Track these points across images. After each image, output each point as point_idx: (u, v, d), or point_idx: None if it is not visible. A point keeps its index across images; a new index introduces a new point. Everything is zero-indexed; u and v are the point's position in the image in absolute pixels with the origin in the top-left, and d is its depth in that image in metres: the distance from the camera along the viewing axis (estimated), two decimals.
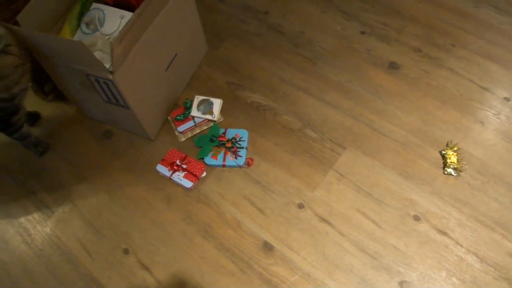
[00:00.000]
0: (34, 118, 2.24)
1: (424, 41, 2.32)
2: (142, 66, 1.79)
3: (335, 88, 2.16)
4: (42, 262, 1.84)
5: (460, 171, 1.87)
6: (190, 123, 2.07)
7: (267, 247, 1.74)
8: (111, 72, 1.63)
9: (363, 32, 2.39)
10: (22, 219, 1.96)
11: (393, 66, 2.22)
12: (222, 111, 2.12)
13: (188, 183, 1.90)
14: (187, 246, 1.79)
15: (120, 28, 1.87)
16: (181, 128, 2.06)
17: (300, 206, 1.83)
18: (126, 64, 1.67)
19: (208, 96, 2.14)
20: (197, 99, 2.12)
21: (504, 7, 2.44)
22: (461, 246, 1.71)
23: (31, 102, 2.18)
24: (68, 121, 2.24)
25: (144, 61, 1.79)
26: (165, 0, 1.83)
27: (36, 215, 1.96)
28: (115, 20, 1.91)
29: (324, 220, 1.79)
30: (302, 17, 2.50)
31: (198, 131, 2.09)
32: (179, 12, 1.96)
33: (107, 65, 1.62)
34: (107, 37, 1.88)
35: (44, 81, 2.21)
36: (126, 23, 1.62)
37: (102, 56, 1.79)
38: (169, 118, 2.13)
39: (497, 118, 2.02)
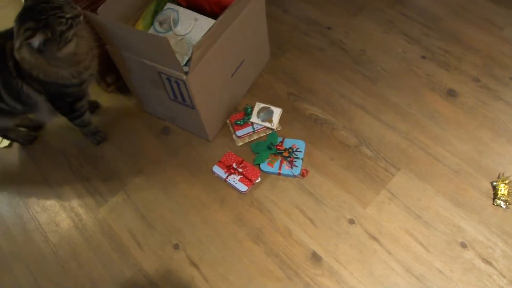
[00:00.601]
0: (93, 107, 2.32)
1: (483, 72, 2.34)
2: (212, 70, 1.86)
3: (393, 109, 2.20)
4: (91, 248, 1.90)
5: (509, 204, 1.89)
6: (248, 129, 2.12)
7: (316, 258, 1.78)
8: (186, 73, 1.68)
9: (423, 57, 2.42)
10: (75, 204, 2.02)
11: (451, 94, 2.25)
12: (281, 120, 2.17)
13: (243, 187, 1.95)
14: (236, 248, 1.83)
15: (193, 30, 1.93)
16: (240, 132, 2.12)
17: (351, 221, 1.86)
18: (200, 66, 1.74)
19: (268, 104, 2.19)
20: (258, 106, 2.17)
21: None
22: (504, 277, 1.73)
23: (91, 91, 2.25)
24: (127, 114, 2.31)
25: (215, 65, 1.86)
26: (241, 9, 1.89)
27: (89, 202, 2.02)
28: (188, 21, 1.97)
29: (373, 238, 1.82)
30: (364, 36, 2.54)
31: (255, 137, 2.14)
32: (251, 20, 2.02)
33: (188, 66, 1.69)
34: (180, 37, 1.94)
35: (107, 72, 2.27)
36: (209, 28, 1.67)
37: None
38: (228, 121, 2.19)
39: None
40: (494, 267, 1.75)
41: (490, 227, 1.84)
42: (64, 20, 1.58)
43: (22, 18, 1.57)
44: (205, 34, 1.66)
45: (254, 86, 2.32)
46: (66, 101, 1.90)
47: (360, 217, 1.87)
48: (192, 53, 1.61)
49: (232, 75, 2.04)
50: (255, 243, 1.84)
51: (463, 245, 1.80)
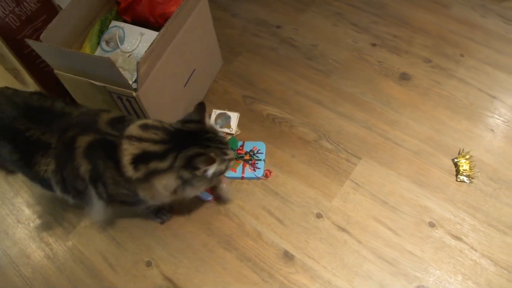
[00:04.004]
0: None
1: (434, 52, 2.37)
2: (163, 82, 1.85)
3: (348, 99, 2.21)
4: (65, 276, 1.86)
5: (472, 178, 1.91)
6: None
7: (288, 257, 1.79)
8: (135, 90, 1.68)
9: (374, 44, 2.45)
10: (44, 234, 1.98)
11: (404, 77, 2.27)
12: (239, 124, 2.18)
13: (208, 196, 1.94)
14: (209, 258, 1.82)
15: (140, 45, 1.93)
16: None
17: (319, 216, 1.87)
18: (149, 81, 1.73)
19: (225, 109, 2.19)
20: (215, 113, 2.17)
21: (511, 16, 2.49)
22: (476, 250, 1.75)
23: None
24: None
25: (165, 77, 1.85)
26: (185, 19, 1.89)
27: (57, 230, 1.98)
28: (134, 37, 1.97)
29: (342, 229, 1.83)
30: (314, 30, 2.55)
31: None
32: (197, 29, 2.02)
33: (135, 83, 1.68)
34: (127, 54, 1.93)
35: (60, 95, 2.24)
36: (152, 42, 1.67)
37: (123, 73, 1.82)
38: None
39: (507, 125, 2.07)
40: (465, 242, 1.77)
41: (456, 203, 1.86)
42: (226, 158, 1.50)
43: (178, 139, 1.46)
44: (148, 48, 1.65)
45: (210, 93, 2.32)
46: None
47: (327, 210, 1.88)
48: (138, 69, 1.60)
49: (185, 85, 2.04)
50: (227, 250, 1.83)
51: (431, 225, 1.81)
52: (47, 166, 1.52)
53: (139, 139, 1.42)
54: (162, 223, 1.94)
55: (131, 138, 1.42)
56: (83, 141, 1.46)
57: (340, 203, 1.89)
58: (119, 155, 1.41)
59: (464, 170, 1.92)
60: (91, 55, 1.81)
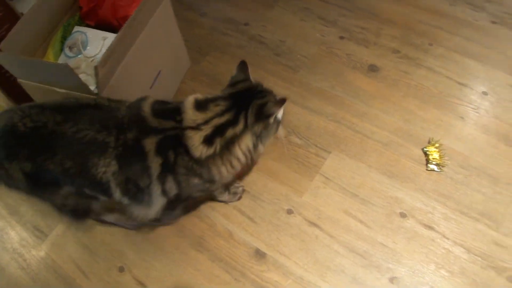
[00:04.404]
0: None
1: (402, 42, 2.37)
2: (127, 85, 1.84)
3: (317, 94, 2.21)
4: (39, 286, 1.85)
5: (442, 167, 1.91)
6: None
7: (259, 255, 1.78)
8: (97, 94, 1.66)
9: (342, 37, 2.44)
10: (17, 245, 1.97)
11: (372, 69, 2.27)
12: None
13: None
14: (181, 260, 1.81)
15: (103, 50, 1.91)
16: None
17: (289, 212, 1.86)
18: (111, 84, 1.71)
19: None
20: None
21: (479, 3, 2.49)
22: (448, 239, 1.74)
23: None
24: None
25: (128, 80, 1.84)
26: (146, 20, 1.87)
27: (30, 240, 1.97)
28: (97, 42, 1.95)
29: (313, 224, 1.82)
30: (282, 26, 2.54)
31: None
32: (160, 30, 2.01)
33: (92, 87, 1.66)
34: (91, 59, 1.91)
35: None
36: (109, 45, 1.65)
37: (86, 78, 1.81)
38: None
39: (476, 112, 2.07)
40: (436, 231, 1.77)
41: (427, 192, 1.86)
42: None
43: (238, 102, 1.49)
44: (105, 52, 1.63)
45: (178, 94, 2.30)
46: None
47: (298, 206, 1.87)
48: (96, 73, 1.59)
49: (151, 87, 2.02)
50: (199, 251, 1.82)
51: (403, 215, 1.81)
52: (107, 167, 1.43)
53: (206, 122, 1.44)
54: (239, 198, 1.94)
55: (196, 127, 1.43)
56: (150, 143, 1.43)
57: (310, 198, 1.89)
58: (187, 143, 1.42)
59: (433, 158, 1.92)
60: (50, 62, 1.80)
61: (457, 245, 1.73)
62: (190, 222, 1.89)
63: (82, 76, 1.85)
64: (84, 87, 1.62)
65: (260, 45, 2.47)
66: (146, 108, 1.49)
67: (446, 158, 1.93)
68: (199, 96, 1.51)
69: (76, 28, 2.01)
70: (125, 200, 1.53)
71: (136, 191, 1.48)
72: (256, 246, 1.80)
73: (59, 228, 1.97)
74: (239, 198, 1.94)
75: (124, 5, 1.99)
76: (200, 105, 1.47)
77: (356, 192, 1.88)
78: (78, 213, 1.67)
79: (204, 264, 1.79)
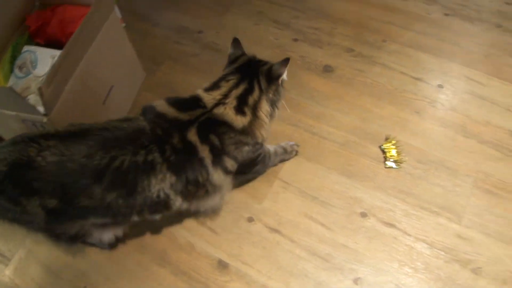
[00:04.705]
0: None
1: (356, 41, 2.38)
2: (77, 103, 1.80)
3: None
4: None
5: (400, 163, 1.91)
6: None
7: (222, 265, 1.76)
8: (46, 115, 1.63)
9: (295, 39, 2.44)
10: None
11: (327, 70, 2.27)
12: None
13: None
14: (144, 276, 1.79)
15: None
16: None
17: (250, 219, 1.85)
18: (61, 103, 1.68)
19: None
20: None
21: None
22: (409, 235, 1.75)
23: None
24: None
25: (79, 97, 1.81)
26: (93, 36, 1.84)
27: None
28: (47, 60, 1.92)
29: (274, 230, 1.81)
30: (236, 31, 2.53)
31: None
32: (110, 44, 1.98)
33: (41, 108, 1.63)
34: (40, 78, 1.88)
35: None
36: (53, 64, 1.63)
37: (37, 98, 1.78)
38: None
39: (432, 106, 2.08)
40: (398, 228, 1.77)
41: (386, 190, 1.86)
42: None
43: (245, 72, 1.61)
44: (49, 71, 1.61)
45: (134, 106, 2.27)
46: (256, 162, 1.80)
47: (258, 213, 1.86)
48: (41, 94, 1.56)
49: (104, 102, 2.00)
50: (161, 266, 1.80)
51: (363, 215, 1.81)
52: (162, 183, 1.43)
53: (225, 96, 1.55)
54: (296, 153, 2.01)
55: (219, 102, 1.55)
56: (192, 135, 1.48)
57: (270, 204, 1.88)
58: (225, 119, 1.53)
59: (391, 156, 1.92)
60: None
61: (419, 241, 1.74)
62: (151, 237, 1.87)
63: (32, 97, 1.83)
64: (31, 108, 1.60)
65: (215, 52, 2.46)
66: (166, 108, 1.58)
67: (403, 154, 1.93)
68: (204, 85, 1.64)
69: (26, 48, 1.98)
70: (185, 205, 1.57)
71: (197, 190, 1.53)
72: (219, 257, 1.78)
73: (21, 252, 1.94)
74: (296, 153, 2.01)
75: (71, 21, 1.96)
76: (211, 88, 1.60)
77: (315, 195, 1.87)
78: (76, 238, 1.67)
79: (167, 278, 1.77)
